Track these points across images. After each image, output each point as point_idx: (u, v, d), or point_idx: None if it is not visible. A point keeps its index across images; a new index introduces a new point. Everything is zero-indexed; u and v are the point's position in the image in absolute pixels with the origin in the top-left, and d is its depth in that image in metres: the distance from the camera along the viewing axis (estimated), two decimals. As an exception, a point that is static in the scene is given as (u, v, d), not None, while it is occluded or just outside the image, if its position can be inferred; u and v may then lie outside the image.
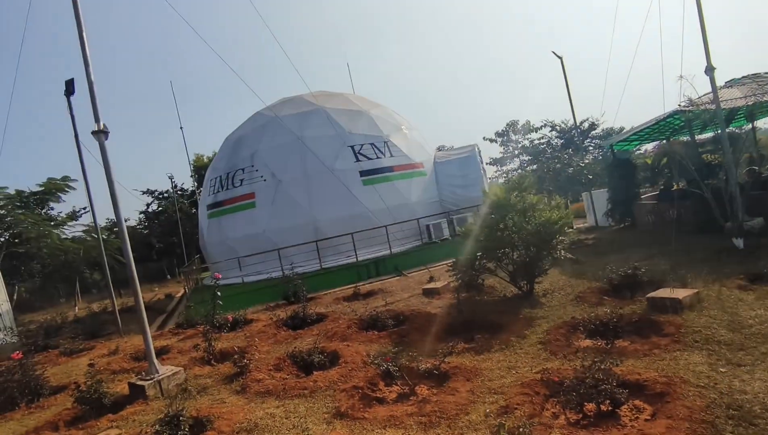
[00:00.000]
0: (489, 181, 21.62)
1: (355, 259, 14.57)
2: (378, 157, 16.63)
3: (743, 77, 13.31)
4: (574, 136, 27.20)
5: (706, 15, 9.30)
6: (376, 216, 15.21)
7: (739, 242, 8.69)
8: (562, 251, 7.74)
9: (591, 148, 31.95)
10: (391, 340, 6.77)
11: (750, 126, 17.11)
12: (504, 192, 7.80)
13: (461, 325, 6.97)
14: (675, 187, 15.23)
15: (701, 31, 9.40)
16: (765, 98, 10.99)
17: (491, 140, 33.80)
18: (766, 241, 8.68)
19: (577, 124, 19.54)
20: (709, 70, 9.37)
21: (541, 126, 31.82)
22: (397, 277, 12.39)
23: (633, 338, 5.38)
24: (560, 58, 17.67)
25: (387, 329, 7.36)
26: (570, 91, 18.05)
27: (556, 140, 32.00)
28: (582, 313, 6.46)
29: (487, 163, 31.61)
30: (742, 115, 14.57)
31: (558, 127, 32.08)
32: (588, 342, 5.51)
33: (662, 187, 15.44)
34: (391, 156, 16.89)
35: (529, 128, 32.33)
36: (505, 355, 5.52)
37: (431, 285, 9.69)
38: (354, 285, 11.34)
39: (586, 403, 3.90)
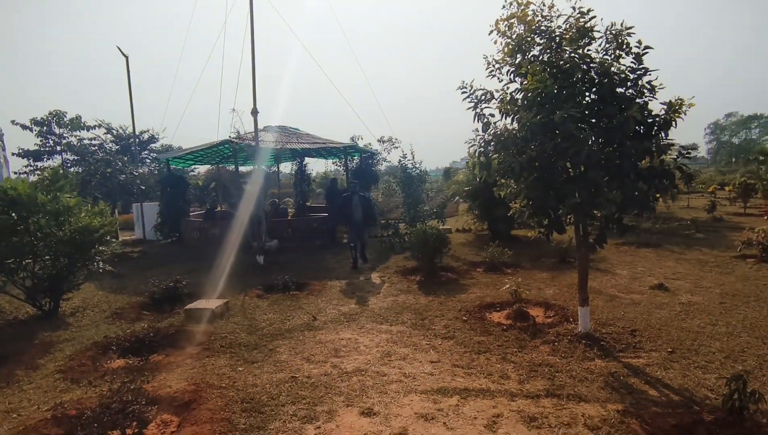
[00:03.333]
0: (16, 176, 17.00)
1: None
2: None
3: (278, 126, 16.51)
4: (132, 145, 25.65)
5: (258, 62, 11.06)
6: None
7: (260, 259, 10.53)
8: (101, 263, 6.94)
9: (149, 160, 31.09)
10: None
11: (276, 167, 21.42)
12: (29, 188, 6.23)
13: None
14: (219, 209, 16.96)
15: (252, 75, 11.05)
16: (287, 147, 14.08)
17: (24, 127, 26.74)
18: (279, 259, 10.93)
19: (136, 132, 18.49)
20: (255, 112, 11.10)
21: (96, 126, 28.20)
22: None
23: (169, 351, 5.36)
24: (126, 57, 16.17)
25: None
26: (132, 96, 16.74)
27: (111, 144, 29.20)
28: (118, 330, 5.95)
29: (15, 154, 25.31)
30: (273, 156, 18.01)
31: (115, 132, 29.48)
32: (120, 362, 5.07)
33: (208, 207, 16.81)
34: None
35: (80, 125, 27.90)
36: (3, 396, 4.26)
37: None
38: None
39: (109, 432, 3.50)
